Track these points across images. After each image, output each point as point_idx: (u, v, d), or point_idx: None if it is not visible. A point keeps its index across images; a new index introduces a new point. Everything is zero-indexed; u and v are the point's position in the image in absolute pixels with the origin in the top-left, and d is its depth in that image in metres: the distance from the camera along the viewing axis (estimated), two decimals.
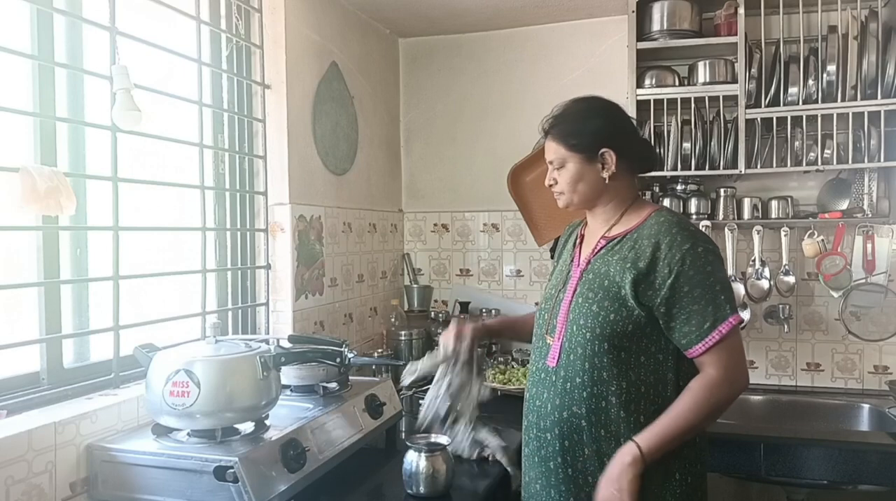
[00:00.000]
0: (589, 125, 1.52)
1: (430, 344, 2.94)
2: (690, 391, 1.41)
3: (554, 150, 1.55)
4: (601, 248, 1.52)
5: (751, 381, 2.73)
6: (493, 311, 2.95)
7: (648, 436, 1.38)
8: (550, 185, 1.59)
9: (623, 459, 1.37)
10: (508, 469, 1.78)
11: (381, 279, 2.99)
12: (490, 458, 1.82)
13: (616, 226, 1.54)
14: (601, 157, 1.50)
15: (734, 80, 2.57)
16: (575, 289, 1.52)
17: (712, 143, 2.59)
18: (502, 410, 2.06)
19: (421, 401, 2.41)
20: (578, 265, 1.56)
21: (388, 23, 2.99)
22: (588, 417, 1.45)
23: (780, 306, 2.70)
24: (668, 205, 2.71)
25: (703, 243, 1.42)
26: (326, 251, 2.49)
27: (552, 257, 1.73)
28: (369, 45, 2.90)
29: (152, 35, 1.79)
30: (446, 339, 1.78)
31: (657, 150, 2.66)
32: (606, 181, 1.52)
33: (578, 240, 1.63)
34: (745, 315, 2.69)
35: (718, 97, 2.58)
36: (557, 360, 1.50)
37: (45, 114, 1.52)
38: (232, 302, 2.19)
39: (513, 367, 2.64)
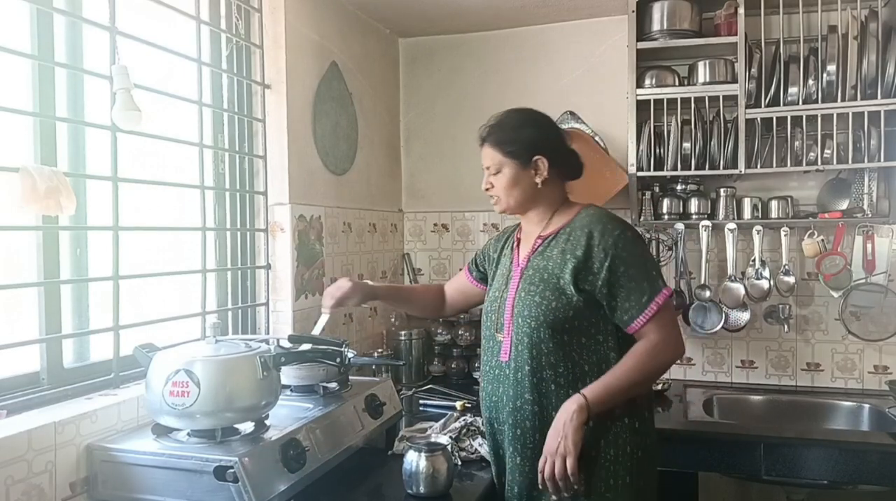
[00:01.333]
0: (523, 133, 1.65)
1: (430, 344, 2.95)
2: (634, 352, 1.54)
3: (491, 156, 1.67)
4: (539, 246, 1.65)
5: (751, 381, 2.78)
6: None
7: (593, 387, 1.51)
8: (487, 189, 1.71)
9: (569, 407, 1.49)
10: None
11: (382, 279, 2.99)
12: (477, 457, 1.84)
13: (549, 225, 1.67)
14: (534, 164, 1.64)
15: (734, 80, 2.57)
16: (517, 286, 1.64)
17: (712, 143, 2.59)
18: None
19: (422, 401, 2.43)
20: (518, 265, 1.69)
21: (388, 23, 2.99)
22: (538, 401, 1.57)
23: (780, 306, 2.70)
24: (668, 205, 2.72)
25: (630, 230, 1.60)
26: (326, 251, 2.49)
27: (487, 251, 1.90)
28: (369, 44, 2.90)
29: (152, 35, 1.79)
30: (331, 291, 1.87)
31: (657, 150, 2.67)
32: (539, 186, 1.65)
33: (515, 244, 1.76)
34: (745, 315, 2.70)
35: (718, 97, 2.58)
36: (509, 354, 1.62)
37: (45, 114, 1.52)
38: (232, 302, 2.19)
39: None
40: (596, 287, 1.53)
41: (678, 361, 1.63)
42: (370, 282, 1.99)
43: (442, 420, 2.01)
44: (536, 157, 1.63)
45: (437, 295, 2.04)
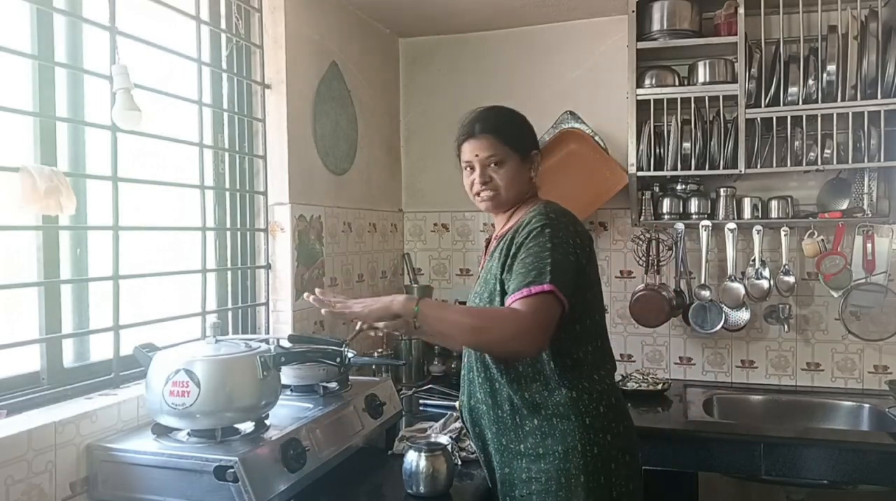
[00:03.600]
0: (521, 128, 1.64)
1: (429, 343, 2.94)
2: (492, 307, 1.52)
3: (492, 146, 1.59)
4: (494, 248, 1.65)
5: (751, 381, 2.78)
6: None
7: (432, 300, 1.55)
8: (485, 182, 1.61)
9: (397, 295, 1.50)
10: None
11: (381, 279, 2.99)
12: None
13: (506, 225, 1.65)
14: (532, 158, 1.63)
15: (734, 80, 2.57)
16: (474, 289, 1.67)
17: (712, 143, 2.59)
18: None
19: (422, 401, 2.43)
20: (480, 266, 1.72)
21: (388, 22, 2.99)
22: (486, 400, 1.59)
23: (780, 306, 2.70)
24: (668, 205, 2.72)
25: (554, 226, 1.49)
26: (326, 251, 2.49)
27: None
28: (369, 44, 2.90)
29: (152, 35, 1.79)
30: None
31: (657, 150, 2.67)
32: (531, 181, 1.64)
33: (485, 245, 1.77)
34: (745, 315, 2.70)
35: (718, 97, 2.58)
36: (467, 357, 1.66)
37: (45, 114, 1.52)
38: (232, 302, 2.19)
39: None
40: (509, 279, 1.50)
41: (529, 355, 1.49)
42: None
43: (442, 420, 2.01)
44: (535, 152, 1.62)
45: None
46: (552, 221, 1.51)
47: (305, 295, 1.58)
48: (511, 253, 1.51)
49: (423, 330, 1.49)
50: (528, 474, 1.53)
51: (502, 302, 1.50)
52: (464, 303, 2.92)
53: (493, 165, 1.60)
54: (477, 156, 1.61)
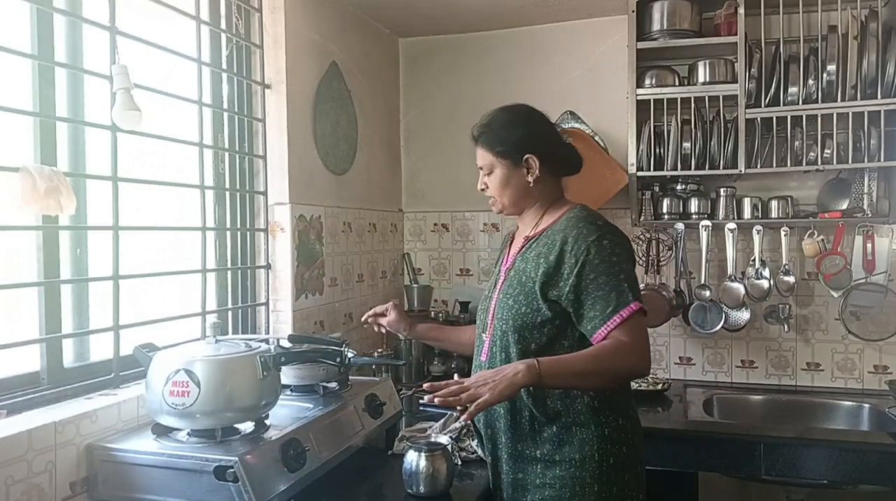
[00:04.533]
0: (514, 133, 1.63)
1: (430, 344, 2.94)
2: (598, 345, 1.47)
3: (483, 156, 1.66)
4: (523, 247, 1.64)
5: (751, 381, 2.78)
6: None
7: (549, 359, 1.43)
8: (482, 190, 1.70)
9: (519, 365, 1.40)
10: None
11: (381, 279, 2.99)
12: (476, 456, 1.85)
13: (538, 225, 1.65)
14: (525, 162, 1.61)
15: (734, 80, 2.57)
16: (501, 288, 1.64)
17: (712, 143, 2.59)
18: None
19: (421, 401, 2.43)
20: (506, 264, 1.69)
21: (388, 22, 2.99)
22: (504, 405, 1.56)
23: (780, 306, 2.70)
24: (668, 205, 2.72)
25: (609, 236, 1.52)
26: (326, 251, 2.49)
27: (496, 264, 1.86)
28: (369, 44, 2.90)
29: (152, 35, 1.79)
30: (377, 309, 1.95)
31: (657, 150, 2.67)
32: (531, 184, 1.62)
33: (510, 242, 1.76)
34: (745, 315, 2.70)
35: (718, 97, 2.58)
36: (487, 355, 1.64)
37: (45, 114, 1.52)
38: (232, 302, 2.19)
39: None
40: (563, 293, 1.50)
41: (646, 375, 1.49)
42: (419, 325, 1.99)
43: (442, 420, 2.01)
44: (527, 156, 1.61)
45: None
46: (603, 229, 1.52)
47: (428, 395, 1.41)
48: (558, 261, 1.50)
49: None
50: (541, 480, 1.53)
51: (540, 307, 1.52)
52: (467, 303, 2.98)
53: (487, 174, 1.67)
54: (478, 163, 1.68)
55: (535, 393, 1.53)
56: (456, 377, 1.61)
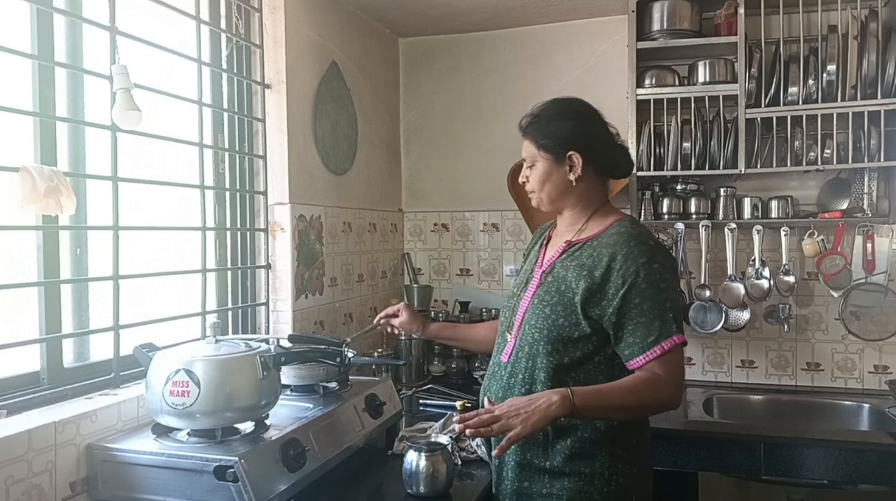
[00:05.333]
0: (560, 127, 1.56)
1: (430, 343, 2.94)
2: (635, 376, 1.43)
3: (527, 148, 1.60)
4: (563, 252, 1.57)
5: (751, 381, 2.78)
6: (493, 311, 2.95)
7: (584, 390, 1.40)
8: (523, 182, 1.64)
9: (552, 395, 1.36)
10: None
11: (381, 279, 2.99)
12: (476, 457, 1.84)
13: (581, 231, 1.57)
14: (568, 159, 1.55)
15: (734, 80, 2.57)
16: (535, 291, 1.57)
17: (712, 143, 2.59)
18: None
19: (422, 401, 2.43)
20: (541, 267, 1.61)
21: (388, 22, 2.99)
22: None
23: (780, 306, 2.70)
24: (668, 205, 2.72)
25: (660, 259, 1.45)
26: (326, 251, 2.49)
27: (525, 258, 1.80)
28: (369, 44, 2.90)
29: (152, 35, 1.79)
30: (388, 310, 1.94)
31: (657, 150, 2.66)
32: (573, 183, 1.56)
33: (545, 242, 1.68)
34: (745, 315, 2.70)
35: (718, 97, 2.58)
36: (510, 356, 1.58)
37: (45, 114, 1.52)
38: (232, 302, 2.19)
39: None
40: (606, 314, 1.44)
41: (674, 409, 1.47)
42: (431, 326, 1.96)
43: (442, 420, 2.01)
44: (571, 153, 1.54)
45: (493, 327, 1.90)
46: (654, 251, 1.46)
47: (458, 425, 1.37)
48: (604, 279, 1.45)
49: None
50: (548, 490, 1.50)
51: (579, 322, 1.47)
52: (468, 303, 2.98)
53: (529, 166, 1.61)
54: (522, 154, 1.62)
55: None
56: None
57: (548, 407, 1.34)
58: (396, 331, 1.98)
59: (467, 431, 1.35)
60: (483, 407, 1.60)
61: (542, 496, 1.51)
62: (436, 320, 2.87)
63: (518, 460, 1.54)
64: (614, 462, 1.49)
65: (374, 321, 1.97)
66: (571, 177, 1.55)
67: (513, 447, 1.50)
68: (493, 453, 1.35)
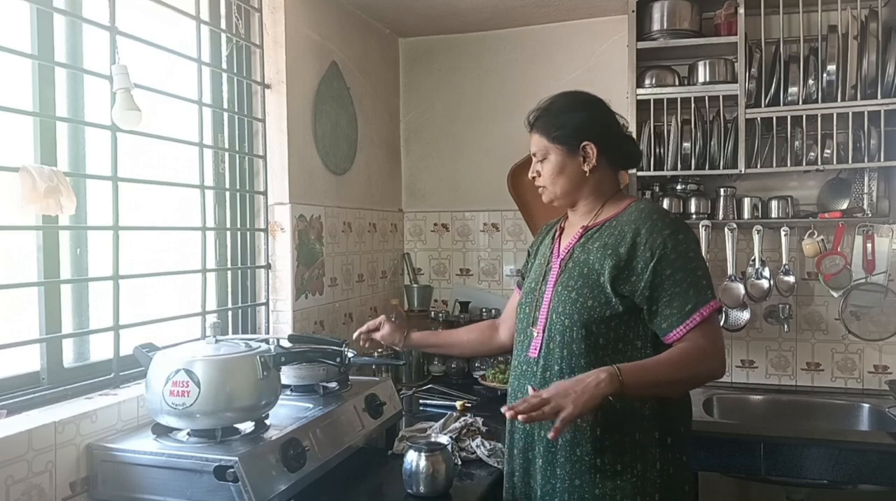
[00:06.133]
0: (572, 118, 1.54)
1: None
2: (680, 348, 1.40)
3: (537, 142, 1.57)
4: (581, 237, 1.55)
5: (751, 381, 2.78)
6: (493, 311, 2.95)
7: (630, 366, 1.36)
8: (534, 178, 1.61)
9: (600, 373, 1.32)
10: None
11: (381, 279, 2.99)
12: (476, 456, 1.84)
13: (596, 216, 1.56)
14: (582, 150, 1.53)
15: (734, 80, 2.57)
16: (556, 279, 1.54)
17: (712, 143, 2.59)
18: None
19: (422, 401, 2.43)
20: (559, 256, 1.58)
21: (388, 22, 2.99)
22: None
23: (780, 306, 2.70)
24: (668, 205, 2.72)
25: (683, 230, 1.45)
26: (326, 251, 2.49)
27: (528, 256, 1.80)
28: (369, 44, 2.90)
29: (152, 35, 1.79)
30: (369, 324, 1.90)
31: (657, 150, 2.66)
32: (587, 174, 1.54)
33: (558, 233, 1.66)
34: (745, 315, 2.70)
35: (718, 97, 2.58)
36: (539, 350, 1.53)
37: (45, 114, 1.52)
38: (232, 302, 2.19)
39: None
40: (637, 289, 1.42)
41: (721, 378, 1.45)
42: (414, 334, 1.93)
43: (442, 420, 2.01)
44: (585, 143, 1.51)
45: (485, 328, 1.92)
46: (677, 223, 1.46)
47: (509, 412, 1.32)
48: (630, 254, 1.42)
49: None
50: (601, 490, 1.44)
51: (606, 299, 1.44)
52: (467, 303, 2.98)
53: (540, 161, 1.58)
54: (531, 149, 1.60)
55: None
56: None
57: (597, 386, 1.30)
58: (370, 346, 1.93)
59: (519, 417, 1.28)
60: (516, 423, 1.54)
61: (595, 496, 1.45)
62: (434, 320, 2.88)
63: (567, 455, 1.47)
64: (665, 451, 1.46)
65: (353, 336, 1.91)
66: (586, 167, 1.53)
67: (546, 444, 1.48)
68: (549, 435, 1.30)
